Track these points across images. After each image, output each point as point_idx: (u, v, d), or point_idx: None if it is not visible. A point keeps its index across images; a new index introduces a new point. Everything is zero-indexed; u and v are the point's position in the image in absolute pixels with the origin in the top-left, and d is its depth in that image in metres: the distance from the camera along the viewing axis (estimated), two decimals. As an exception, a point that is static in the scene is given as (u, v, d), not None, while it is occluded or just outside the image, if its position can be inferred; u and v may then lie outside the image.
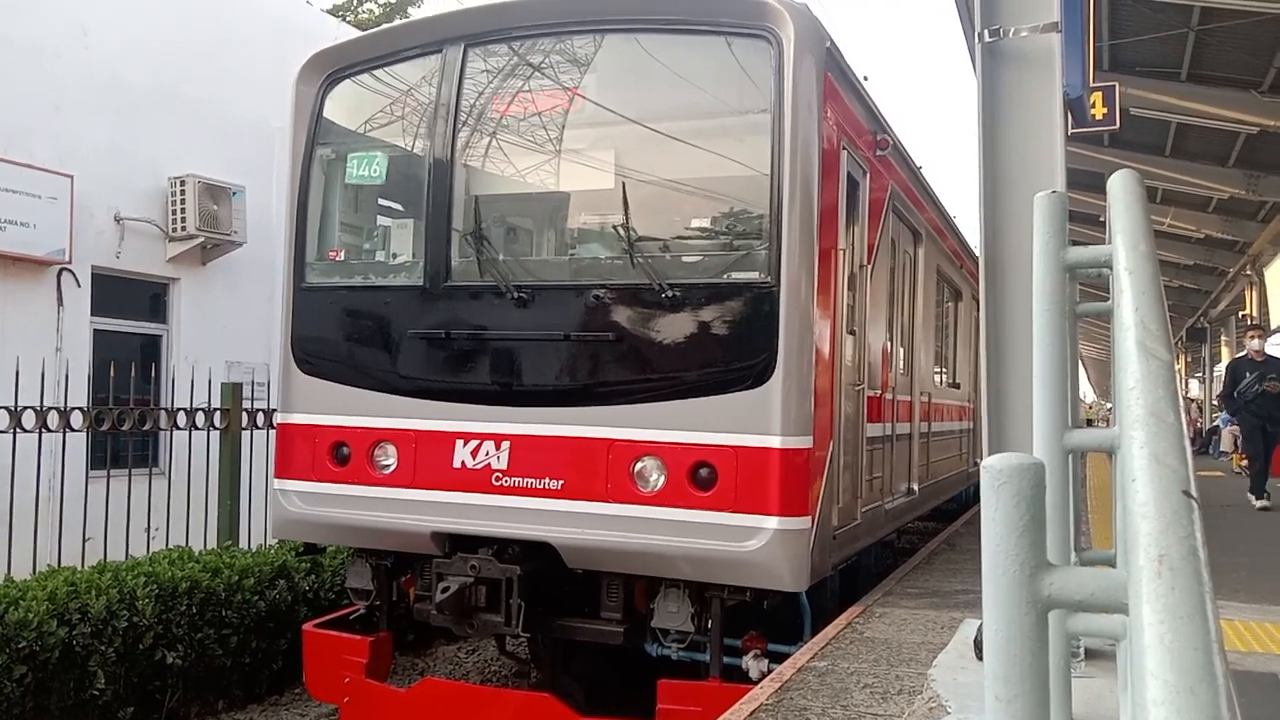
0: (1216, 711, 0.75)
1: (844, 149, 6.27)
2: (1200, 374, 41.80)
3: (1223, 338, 35.41)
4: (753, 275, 5.61)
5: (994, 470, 1.09)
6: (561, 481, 5.79)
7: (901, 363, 8.43)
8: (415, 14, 28.25)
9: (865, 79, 7.09)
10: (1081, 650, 4.02)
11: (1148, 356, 1.16)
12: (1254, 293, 26.19)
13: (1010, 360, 3.87)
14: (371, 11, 29.00)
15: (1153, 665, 0.76)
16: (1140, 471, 0.98)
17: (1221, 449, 22.46)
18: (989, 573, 1.11)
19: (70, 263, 9.98)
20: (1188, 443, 1.10)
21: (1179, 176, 19.39)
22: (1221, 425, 23.87)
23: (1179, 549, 0.86)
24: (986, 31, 3.80)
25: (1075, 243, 2.33)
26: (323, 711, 7.41)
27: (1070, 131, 5.84)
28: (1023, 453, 1.12)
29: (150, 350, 11.13)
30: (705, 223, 6.06)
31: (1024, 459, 1.09)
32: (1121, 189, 1.79)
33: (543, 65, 6.25)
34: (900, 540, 10.16)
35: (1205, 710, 0.73)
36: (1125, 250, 1.46)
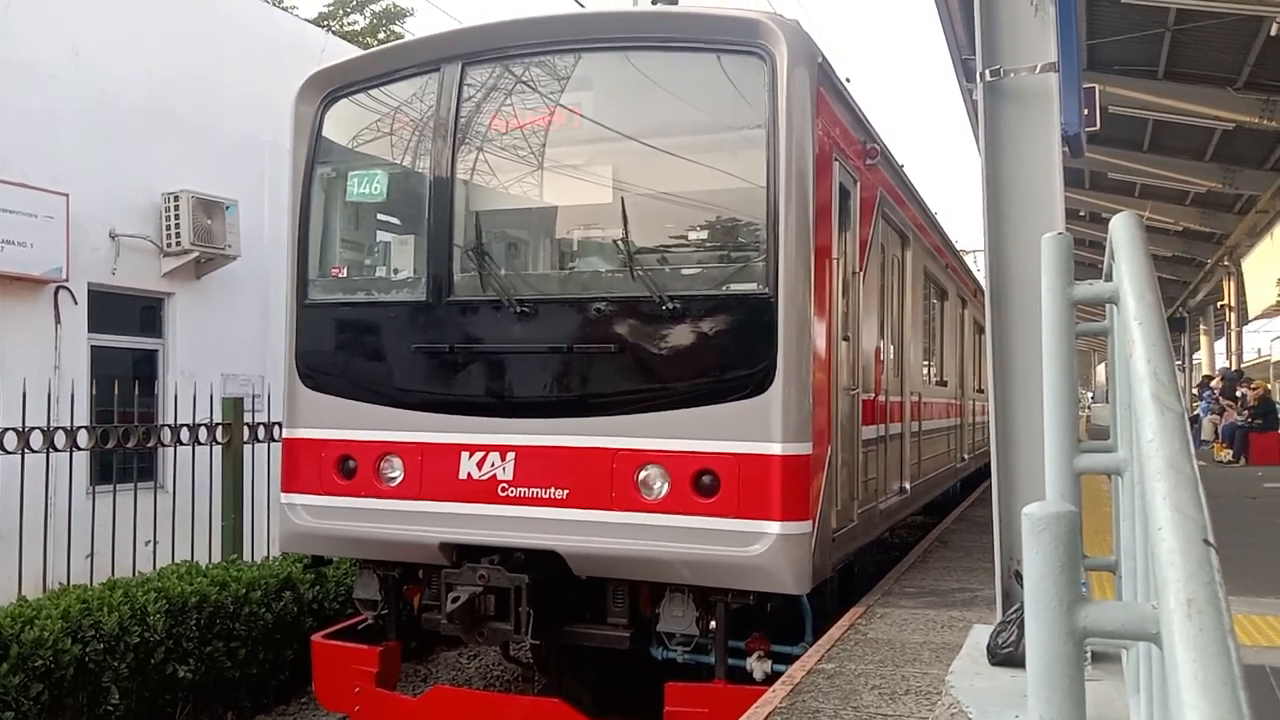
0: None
1: (836, 160, 6.41)
2: (1180, 363, 42.25)
3: (1201, 327, 35.84)
4: (751, 286, 5.75)
5: (1034, 518, 1.23)
6: (567, 491, 5.89)
7: (892, 364, 8.59)
8: (405, 25, 28.08)
9: (848, 80, 7.23)
10: (1088, 655, 4.19)
11: (1162, 409, 1.30)
12: (1231, 283, 26.59)
13: (1015, 374, 4.01)
14: (356, 22, 28.85)
15: (1189, 699, 0.91)
16: (1165, 522, 1.12)
17: (1203, 438, 22.70)
18: (1031, 606, 1.26)
19: (67, 280, 10.00)
20: (1202, 491, 1.25)
21: (1157, 171, 19.70)
22: (1202, 415, 24.13)
23: (1204, 593, 1.01)
24: (988, 71, 3.97)
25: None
26: (330, 721, 7.50)
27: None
28: (1052, 496, 1.26)
29: (146, 364, 11.17)
30: (703, 236, 6.19)
31: (1061, 507, 1.23)
32: (1124, 232, 1.93)
33: (540, 83, 6.36)
34: (891, 535, 10.30)
35: (1234, 735, 0.88)
36: (1134, 300, 1.61)
